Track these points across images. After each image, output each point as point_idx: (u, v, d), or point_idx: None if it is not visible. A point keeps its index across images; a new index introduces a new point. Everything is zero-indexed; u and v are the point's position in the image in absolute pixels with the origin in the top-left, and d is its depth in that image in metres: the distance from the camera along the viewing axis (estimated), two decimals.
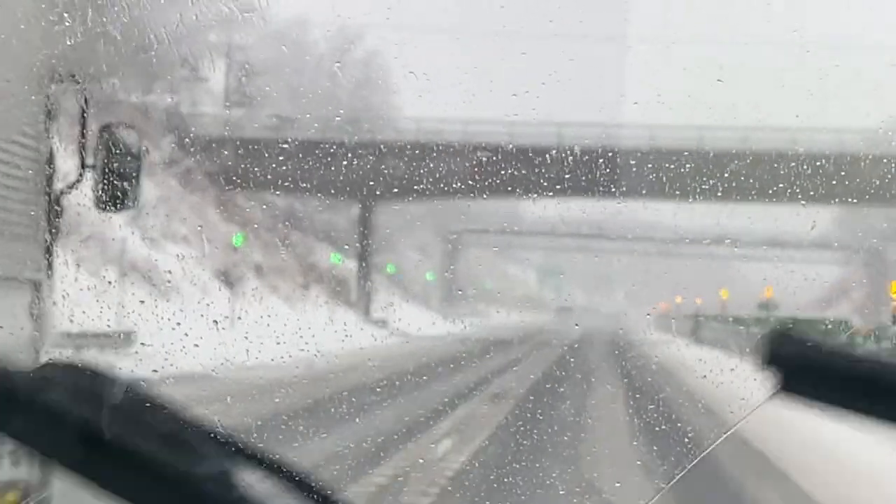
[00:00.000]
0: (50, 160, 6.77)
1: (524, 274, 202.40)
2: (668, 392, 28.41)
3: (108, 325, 34.19)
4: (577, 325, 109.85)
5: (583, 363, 40.71)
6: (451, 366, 39.11)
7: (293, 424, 18.83)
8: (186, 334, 35.28)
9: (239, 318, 45.07)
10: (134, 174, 6.91)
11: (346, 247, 79.70)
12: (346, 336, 56.95)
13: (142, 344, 31.95)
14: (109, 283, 38.07)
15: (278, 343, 40.67)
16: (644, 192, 67.83)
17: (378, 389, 29.21)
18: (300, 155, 65.87)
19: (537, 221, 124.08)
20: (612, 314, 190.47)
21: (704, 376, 30.31)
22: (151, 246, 42.41)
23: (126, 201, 6.77)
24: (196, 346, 35.15)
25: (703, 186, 68.73)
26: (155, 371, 23.52)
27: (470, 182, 66.42)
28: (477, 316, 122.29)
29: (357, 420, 21.89)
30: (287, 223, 69.13)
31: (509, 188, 66.86)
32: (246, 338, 40.97)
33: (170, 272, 40.16)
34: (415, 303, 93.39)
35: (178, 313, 38.56)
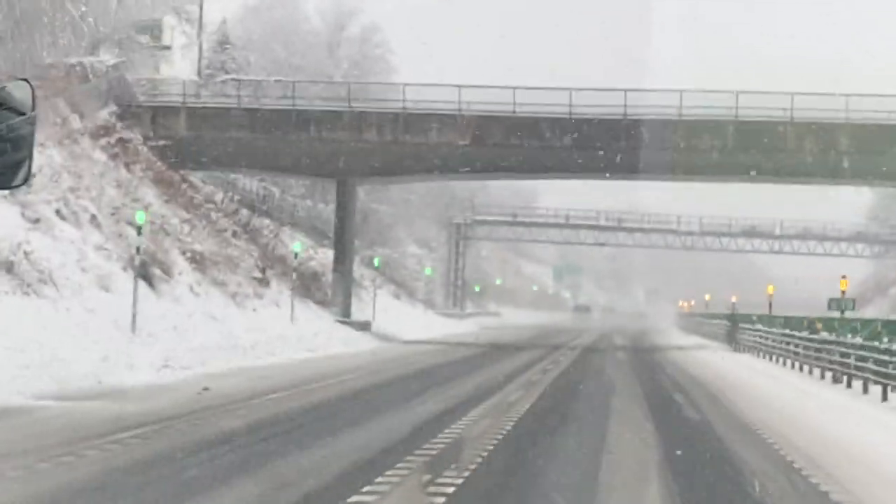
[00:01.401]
0: None
1: (538, 269, 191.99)
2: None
3: None
4: (595, 327, 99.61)
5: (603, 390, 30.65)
6: (447, 380, 29.10)
7: None
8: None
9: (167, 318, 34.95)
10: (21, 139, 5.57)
11: (320, 235, 69.31)
12: (313, 341, 46.93)
13: None
14: None
15: (204, 349, 30.63)
16: (670, 168, 57.59)
17: (344, 417, 19.50)
18: (265, 126, 55.73)
19: (550, 212, 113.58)
20: (634, 314, 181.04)
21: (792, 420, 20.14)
22: (35, 227, 32.53)
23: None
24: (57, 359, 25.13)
25: (739, 162, 58.26)
26: None
27: (470, 158, 56.26)
28: (484, 316, 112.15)
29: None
30: (244, 205, 58.96)
31: (516, 164, 56.64)
32: (147, 345, 30.95)
33: (47, 260, 30.18)
34: (409, 301, 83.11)
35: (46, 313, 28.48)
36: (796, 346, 36.66)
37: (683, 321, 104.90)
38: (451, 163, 56.83)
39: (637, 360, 43.80)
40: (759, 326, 46.50)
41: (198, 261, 43.68)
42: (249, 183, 71.23)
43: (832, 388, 29.55)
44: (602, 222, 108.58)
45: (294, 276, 49.66)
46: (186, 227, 46.44)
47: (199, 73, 69.75)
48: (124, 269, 35.04)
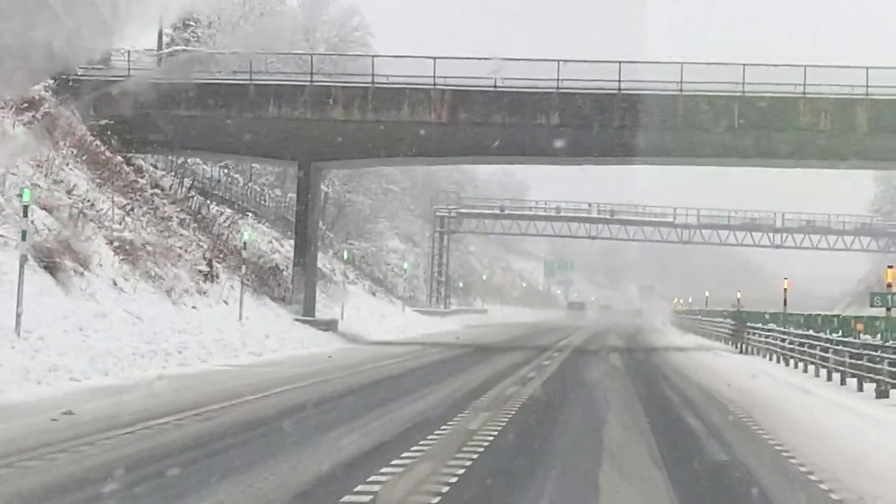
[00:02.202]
0: None
1: (528, 265, 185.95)
2: None
3: None
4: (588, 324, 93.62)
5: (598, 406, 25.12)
6: (400, 395, 23.50)
7: None
8: None
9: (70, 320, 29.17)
10: None
11: (288, 226, 63.39)
12: (262, 344, 41.00)
13: None
14: None
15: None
16: (670, 150, 51.78)
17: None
18: (219, 103, 49.85)
19: (540, 204, 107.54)
20: (630, 312, 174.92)
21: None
22: None
23: None
24: None
25: (746, 142, 52.39)
26: None
27: (446, 138, 50.45)
28: (470, 313, 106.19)
29: None
30: (200, 192, 53.06)
31: (498, 145, 50.84)
32: (32, 350, 25.02)
33: None
34: (388, 299, 77.30)
35: None
36: (824, 350, 30.85)
37: (680, 319, 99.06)
38: (425, 144, 51.05)
39: (634, 366, 38.03)
40: (773, 326, 40.69)
41: (128, 251, 37.83)
42: (212, 170, 65.40)
43: (886, 408, 23.72)
44: (594, 214, 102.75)
45: (244, 268, 43.80)
46: (120, 214, 40.62)
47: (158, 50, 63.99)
48: (26, 259, 29.19)
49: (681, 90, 48.58)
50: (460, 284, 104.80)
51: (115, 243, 37.36)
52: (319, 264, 64.60)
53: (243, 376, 28.56)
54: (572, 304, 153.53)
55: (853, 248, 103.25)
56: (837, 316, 36.83)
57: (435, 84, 48.87)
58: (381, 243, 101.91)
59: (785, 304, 42.71)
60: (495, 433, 17.02)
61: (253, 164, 68.13)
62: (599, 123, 48.88)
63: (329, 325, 51.53)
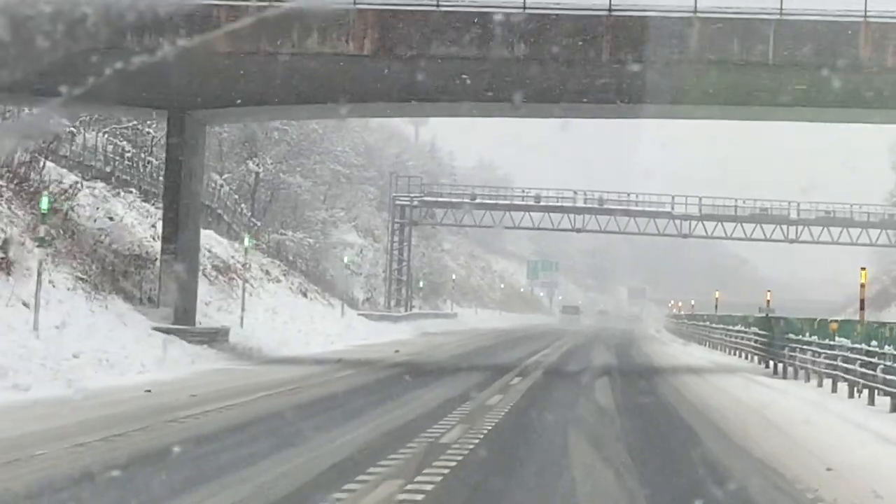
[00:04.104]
0: None
1: (510, 265, 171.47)
2: None
3: None
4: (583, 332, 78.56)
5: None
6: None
7: None
8: None
9: None
10: None
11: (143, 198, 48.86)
12: (61, 366, 27.11)
13: None
14: None
15: None
16: (679, 94, 37.81)
17: None
18: (55, 37, 35.88)
19: (517, 192, 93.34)
20: (629, 316, 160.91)
21: None
22: None
23: None
24: None
25: (783, 83, 38.19)
26: None
27: (371, 77, 36.61)
28: (435, 318, 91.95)
29: None
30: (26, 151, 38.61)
31: (442, 88, 37.00)
32: None
33: None
34: (324, 300, 63.25)
35: None
36: None
37: (679, 325, 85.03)
38: (342, 85, 37.11)
39: (634, 409, 23.99)
40: (843, 341, 26.75)
41: None
42: (96, 138, 51.22)
43: None
44: (580, 204, 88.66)
45: (46, 253, 29.69)
46: None
47: None
48: None
49: (695, 10, 34.61)
50: (420, 284, 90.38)
51: None
52: (228, 255, 50.61)
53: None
54: (566, 309, 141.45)
55: (879, 242, 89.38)
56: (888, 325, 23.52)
57: (355, 3, 34.93)
58: (337, 237, 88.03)
59: (862, 306, 28.98)
60: None
61: (139, 125, 54.05)
62: (582, 57, 34.82)
63: (213, 337, 37.60)
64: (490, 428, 18.83)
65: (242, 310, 42.46)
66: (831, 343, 28.54)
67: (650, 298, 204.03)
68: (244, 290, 43.36)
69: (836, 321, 30.79)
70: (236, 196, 63.28)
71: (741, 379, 32.98)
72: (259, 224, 64.93)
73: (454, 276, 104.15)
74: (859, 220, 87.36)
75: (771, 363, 38.19)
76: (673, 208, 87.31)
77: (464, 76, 36.07)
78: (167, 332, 34.79)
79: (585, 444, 17.95)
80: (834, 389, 28.03)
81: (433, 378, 30.94)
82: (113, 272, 36.54)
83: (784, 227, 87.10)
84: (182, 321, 36.94)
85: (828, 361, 28.84)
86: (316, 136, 75.15)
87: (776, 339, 36.56)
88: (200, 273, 45.41)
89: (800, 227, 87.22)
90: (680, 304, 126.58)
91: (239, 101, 38.09)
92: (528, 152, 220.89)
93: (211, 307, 42.24)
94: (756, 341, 41.22)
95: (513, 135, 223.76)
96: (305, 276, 64.47)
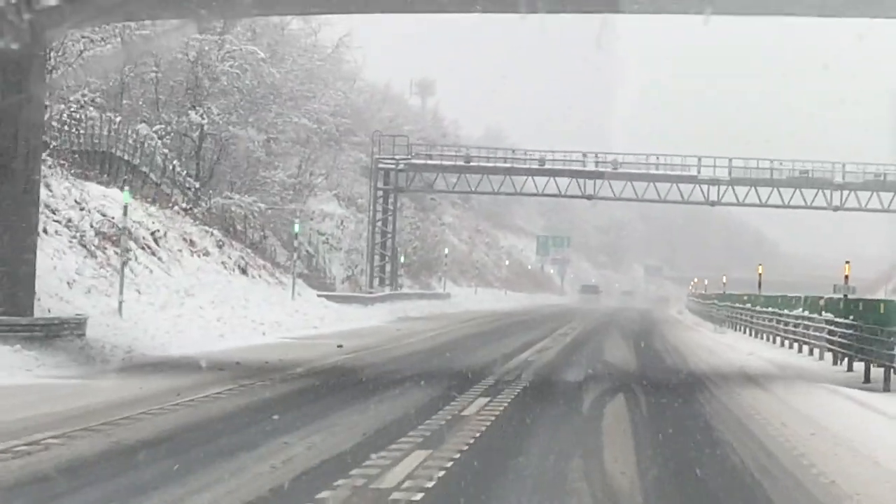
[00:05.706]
0: None
1: (519, 241, 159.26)
2: None
3: None
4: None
5: None
6: None
7: None
8: None
9: None
10: None
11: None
12: None
13: None
14: None
15: None
16: None
17: None
18: None
19: (519, 154, 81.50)
20: (658, 298, 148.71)
21: None
22: None
23: None
24: None
25: None
26: None
27: None
28: (422, 298, 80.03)
29: None
30: None
31: None
32: None
33: None
34: (272, 277, 51.62)
35: None
36: None
37: (707, 307, 73.18)
38: None
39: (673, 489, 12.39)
40: None
41: None
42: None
43: None
44: (590, 167, 76.76)
45: None
46: None
47: None
48: None
49: None
50: (402, 259, 78.38)
51: None
52: (134, 221, 39.01)
53: None
54: (586, 288, 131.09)
55: None
56: None
57: None
58: (316, 206, 76.55)
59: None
60: None
61: None
62: None
63: (55, 332, 25.96)
64: None
65: (121, 293, 30.82)
66: None
67: (666, 277, 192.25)
68: (123, 266, 31.64)
69: None
70: (166, 151, 51.56)
71: (828, 394, 21.22)
72: (198, 185, 53.28)
73: (446, 251, 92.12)
74: None
75: (858, 365, 26.55)
76: (700, 171, 75.44)
77: None
78: None
79: None
80: None
81: (335, 406, 19.14)
82: None
83: (827, 192, 75.22)
84: (10, 309, 25.41)
85: None
86: (281, 86, 63.49)
87: (870, 333, 24.85)
88: (76, 243, 33.90)
89: (845, 193, 75.31)
90: (706, 281, 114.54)
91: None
92: (542, 123, 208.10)
93: (76, 288, 30.61)
94: (833, 332, 29.49)
95: (524, 108, 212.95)
96: (254, 250, 52.81)
